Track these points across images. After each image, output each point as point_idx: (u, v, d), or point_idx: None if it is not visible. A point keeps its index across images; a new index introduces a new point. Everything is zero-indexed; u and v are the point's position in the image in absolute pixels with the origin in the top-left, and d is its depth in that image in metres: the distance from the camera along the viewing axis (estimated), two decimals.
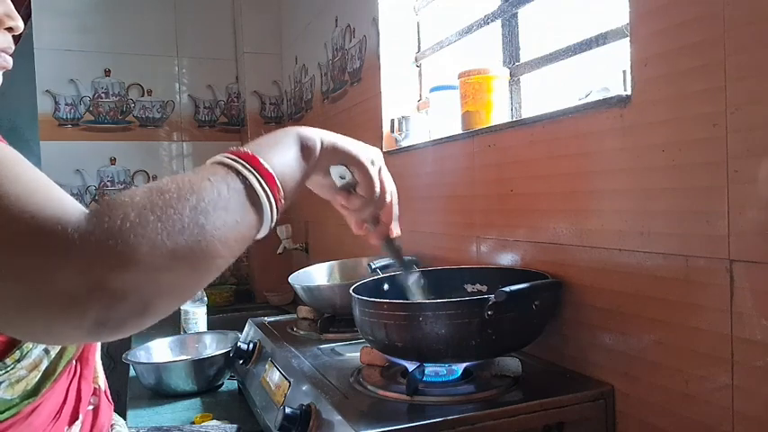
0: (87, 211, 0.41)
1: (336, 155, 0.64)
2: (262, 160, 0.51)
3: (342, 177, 0.68)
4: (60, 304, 0.39)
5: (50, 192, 0.42)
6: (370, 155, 0.67)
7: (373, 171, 0.67)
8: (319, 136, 0.62)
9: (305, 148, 0.59)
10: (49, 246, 0.39)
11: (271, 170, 0.51)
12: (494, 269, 1.12)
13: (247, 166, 0.50)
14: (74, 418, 0.68)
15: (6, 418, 0.60)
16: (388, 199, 0.71)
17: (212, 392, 1.42)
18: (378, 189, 0.68)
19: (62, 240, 0.39)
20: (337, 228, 2.01)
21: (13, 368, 0.61)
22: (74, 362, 0.71)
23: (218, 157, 0.51)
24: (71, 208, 0.41)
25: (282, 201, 0.52)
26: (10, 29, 0.62)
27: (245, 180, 0.49)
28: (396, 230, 0.75)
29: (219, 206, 0.46)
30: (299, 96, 2.52)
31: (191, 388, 1.39)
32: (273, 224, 0.52)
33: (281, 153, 0.56)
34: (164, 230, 0.41)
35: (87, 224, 0.40)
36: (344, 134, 0.66)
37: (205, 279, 0.46)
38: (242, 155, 0.51)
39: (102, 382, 0.80)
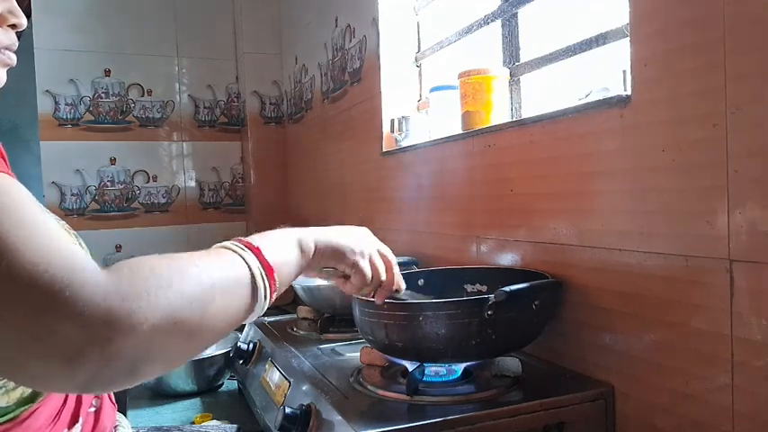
0: (105, 270, 0.43)
1: (328, 257, 0.69)
2: (266, 254, 0.57)
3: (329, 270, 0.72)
4: (60, 358, 0.40)
5: (61, 241, 0.43)
6: (358, 248, 0.71)
7: (364, 264, 0.72)
8: (314, 238, 0.67)
9: (302, 251, 0.66)
10: (60, 301, 0.39)
11: (273, 264, 0.57)
12: (494, 269, 1.12)
13: (253, 257, 0.55)
14: (74, 420, 0.68)
15: (2, 422, 0.59)
16: (383, 278, 0.76)
17: (212, 392, 1.42)
18: (369, 277, 0.73)
19: (75, 297, 0.40)
20: None
21: None
22: None
23: (228, 244, 0.56)
24: (84, 262, 0.42)
25: (275, 294, 0.58)
26: (13, 26, 0.61)
27: (249, 270, 0.54)
28: (402, 287, 0.81)
29: (226, 293, 0.51)
30: (299, 96, 2.52)
31: (191, 388, 1.38)
32: (262, 313, 0.57)
33: (282, 252, 0.62)
34: (173, 310, 0.45)
35: (106, 285, 0.41)
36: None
37: (193, 354, 0.51)
38: (250, 246, 0.56)
39: None
